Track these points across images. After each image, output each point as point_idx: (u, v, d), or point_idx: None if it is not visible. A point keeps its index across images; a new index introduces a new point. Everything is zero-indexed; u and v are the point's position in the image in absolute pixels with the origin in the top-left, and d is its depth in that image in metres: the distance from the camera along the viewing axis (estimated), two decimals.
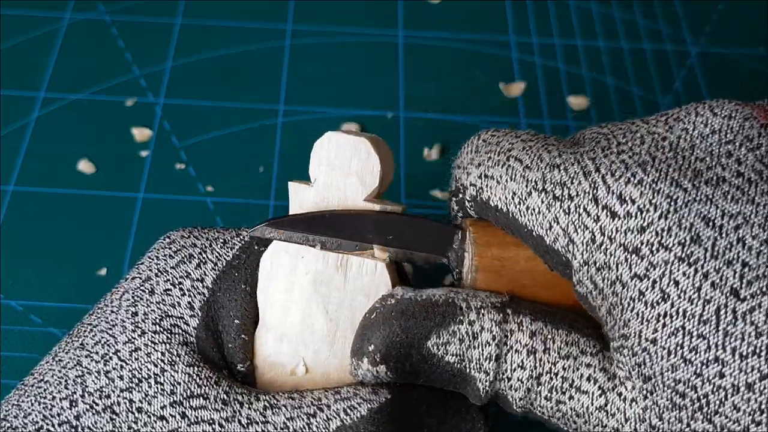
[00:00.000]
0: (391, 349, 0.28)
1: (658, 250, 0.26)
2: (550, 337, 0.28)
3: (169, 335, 0.29)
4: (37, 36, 0.51)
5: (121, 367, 0.28)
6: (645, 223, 0.26)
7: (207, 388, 0.28)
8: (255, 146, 0.47)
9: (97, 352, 0.29)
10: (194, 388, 0.28)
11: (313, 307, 0.30)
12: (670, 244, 0.26)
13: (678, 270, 0.25)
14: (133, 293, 0.30)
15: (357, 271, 0.29)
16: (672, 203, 0.26)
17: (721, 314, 0.25)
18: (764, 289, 0.24)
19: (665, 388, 0.26)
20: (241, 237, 0.32)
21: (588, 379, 0.28)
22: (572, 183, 0.27)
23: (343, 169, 0.30)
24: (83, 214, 0.44)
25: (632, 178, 0.26)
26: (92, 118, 0.48)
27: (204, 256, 0.31)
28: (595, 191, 0.27)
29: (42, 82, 0.49)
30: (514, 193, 0.28)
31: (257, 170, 0.46)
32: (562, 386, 0.28)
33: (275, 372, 0.30)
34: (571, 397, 0.28)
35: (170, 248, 0.31)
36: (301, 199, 0.30)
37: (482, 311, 0.28)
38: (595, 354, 0.28)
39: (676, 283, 0.25)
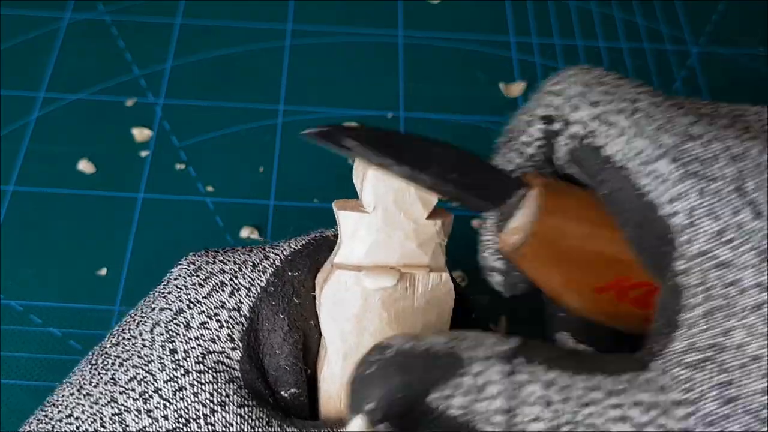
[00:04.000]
0: (391, 406, 0.25)
1: None
2: (569, 384, 0.25)
3: (214, 374, 0.28)
4: (37, 36, 0.51)
5: (165, 406, 0.27)
6: None
7: (260, 429, 0.27)
8: (255, 146, 0.47)
9: (133, 389, 0.27)
10: (247, 429, 0.27)
11: (386, 328, 0.29)
12: None
13: None
14: (166, 327, 0.29)
15: (424, 286, 0.29)
16: None
17: None
18: None
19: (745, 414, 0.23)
20: (270, 260, 0.31)
21: (621, 419, 0.24)
22: (715, 163, 0.25)
23: (403, 191, 0.29)
24: (83, 214, 0.44)
25: None
26: (92, 118, 0.48)
27: (236, 282, 0.30)
28: (742, 182, 0.24)
29: (42, 82, 0.49)
30: (640, 151, 0.26)
31: (257, 170, 0.46)
32: None
33: None
34: None
35: (198, 276, 0.30)
36: (356, 228, 0.29)
37: (488, 362, 0.25)
38: (624, 391, 0.24)
39: None
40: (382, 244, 0.29)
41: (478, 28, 0.53)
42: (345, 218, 0.29)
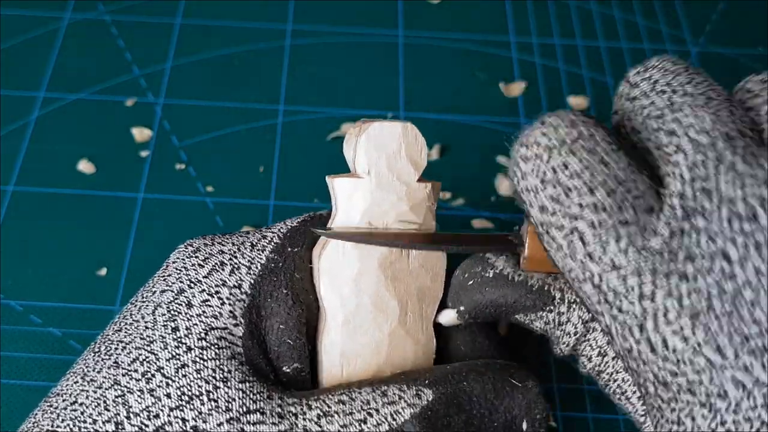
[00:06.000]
0: (480, 313, 0.31)
1: None
2: None
3: (217, 350, 0.28)
4: (37, 36, 0.51)
5: (167, 384, 0.27)
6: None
7: (262, 402, 0.27)
8: (255, 146, 0.47)
9: (136, 370, 0.27)
10: (249, 403, 0.27)
11: (383, 292, 0.30)
12: None
13: None
14: (168, 307, 0.29)
15: (418, 250, 0.31)
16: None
17: None
18: None
19: None
20: (268, 239, 0.31)
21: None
22: (626, 298, 0.25)
23: (394, 155, 0.30)
24: (83, 214, 0.44)
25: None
26: (92, 118, 0.48)
27: (235, 261, 0.30)
28: (644, 320, 0.25)
29: (42, 82, 0.49)
30: (572, 270, 0.26)
31: (257, 170, 0.46)
32: (616, 390, 0.31)
33: (355, 365, 0.31)
34: (619, 400, 0.31)
35: (197, 257, 0.30)
36: (351, 193, 0.30)
37: (573, 306, 0.30)
38: None
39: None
40: (376, 207, 0.30)
41: (477, 28, 0.53)
42: (341, 184, 0.30)
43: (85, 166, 0.45)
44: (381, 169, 0.30)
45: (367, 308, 0.30)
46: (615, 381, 0.30)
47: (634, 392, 0.30)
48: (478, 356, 0.32)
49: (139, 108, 0.48)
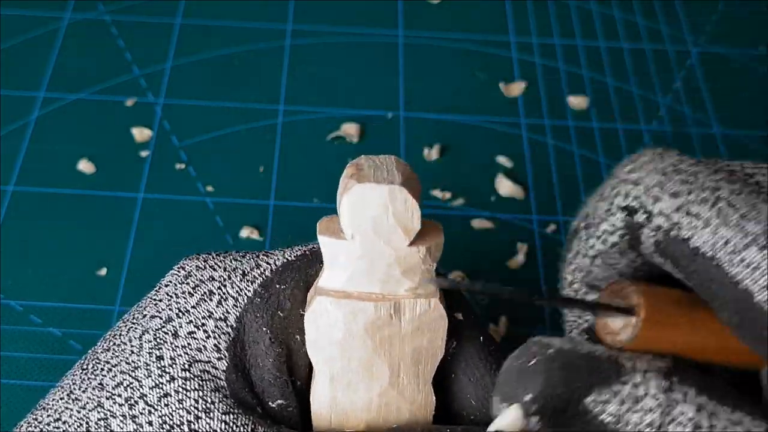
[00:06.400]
0: (549, 401, 0.26)
1: None
2: (714, 413, 0.26)
3: (200, 381, 0.28)
4: (37, 36, 0.51)
5: (150, 412, 0.27)
6: None
7: None
8: (255, 146, 0.47)
9: (119, 395, 0.27)
10: None
11: (372, 355, 0.28)
12: None
13: None
14: (155, 334, 0.29)
15: (411, 313, 0.28)
16: None
17: None
18: None
19: None
20: (261, 270, 0.30)
21: None
22: None
23: (381, 219, 0.27)
24: (83, 214, 0.44)
25: None
26: (92, 118, 0.48)
27: (224, 291, 0.30)
28: None
29: (42, 82, 0.49)
30: (727, 241, 0.26)
31: (257, 170, 0.46)
32: None
33: (344, 416, 0.30)
34: None
35: (188, 284, 0.30)
36: (336, 254, 0.28)
37: (648, 375, 0.27)
38: None
39: None
40: (364, 271, 0.28)
41: (477, 28, 0.53)
42: (325, 245, 0.28)
43: (85, 166, 0.45)
44: (367, 234, 0.27)
45: (354, 370, 0.29)
46: None
47: None
48: (487, 414, 0.30)
49: (139, 108, 0.48)
